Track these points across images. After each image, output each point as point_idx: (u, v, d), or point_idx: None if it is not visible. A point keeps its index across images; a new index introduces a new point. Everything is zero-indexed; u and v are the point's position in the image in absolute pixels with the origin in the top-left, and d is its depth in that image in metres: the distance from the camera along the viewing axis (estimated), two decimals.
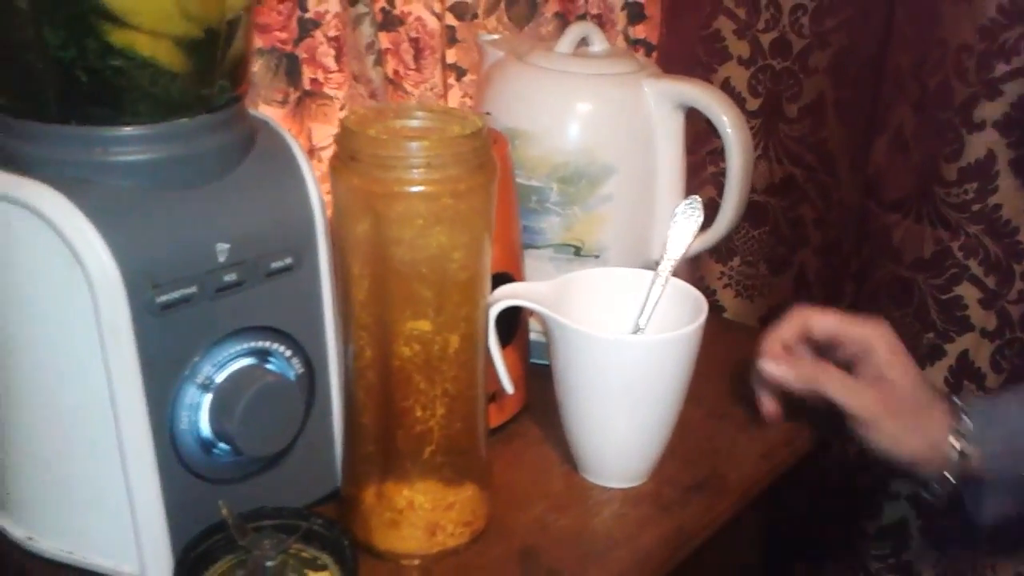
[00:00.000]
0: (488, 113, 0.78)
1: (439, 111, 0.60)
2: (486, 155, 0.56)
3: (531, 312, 0.65)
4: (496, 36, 0.88)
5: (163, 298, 0.52)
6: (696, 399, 0.68)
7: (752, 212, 1.01)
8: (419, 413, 0.58)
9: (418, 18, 0.94)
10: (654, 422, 0.65)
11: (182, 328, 0.54)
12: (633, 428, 0.65)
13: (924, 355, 0.88)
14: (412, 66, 0.95)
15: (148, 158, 0.53)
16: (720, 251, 1.07)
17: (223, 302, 0.55)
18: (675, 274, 0.68)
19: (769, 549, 0.92)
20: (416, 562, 0.60)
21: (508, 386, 0.63)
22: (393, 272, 0.55)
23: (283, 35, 0.84)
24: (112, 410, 0.52)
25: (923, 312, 0.87)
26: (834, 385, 0.68)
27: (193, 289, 0.54)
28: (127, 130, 0.52)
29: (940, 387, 0.86)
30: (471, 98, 0.99)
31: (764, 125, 1.01)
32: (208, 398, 0.55)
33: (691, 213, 0.70)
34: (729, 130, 0.76)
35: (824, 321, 0.70)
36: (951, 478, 0.68)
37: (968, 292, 0.85)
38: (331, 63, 0.87)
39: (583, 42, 0.82)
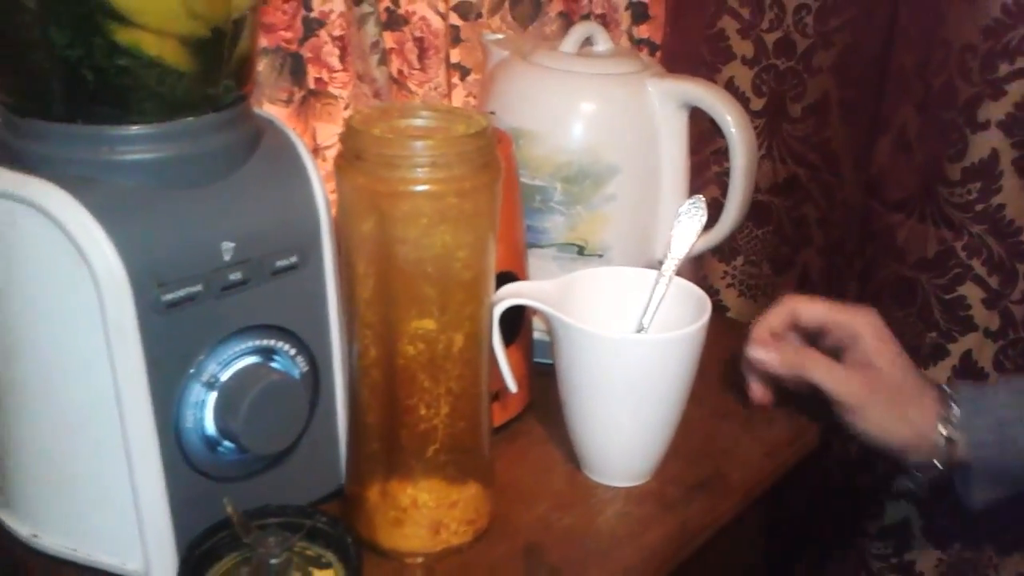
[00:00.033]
0: (492, 112, 0.78)
1: (444, 110, 0.60)
2: (491, 154, 0.56)
3: (535, 311, 0.65)
4: (500, 36, 0.88)
5: (168, 296, 0.53)
6: (699, 398, 0.68)
7: (756, 212, 1.01)
8: (423, 411, 0.58)
9: (422, 17, 0.94)
10: (657, 421, 0.66)
11: (187, 326, 0.54)
12: (636, 427, 0.65)
13: (927, 355, 0.88)
14: (416, 65, 0.95)
15: (154, 157, 0.53)
16: (723, 251, 1.07)
17: (228, 301, 0.55)
18: (679, 273, 0.68)
19: (770, 548, 0.92)
20: (420, 560, 0.60)
21: (511, 385, 0.63)
22: (398, 271, 0.55)
23: (288, 34, 0.84)
24: (117, 408, 0.53)
25: (926, 312, 0.87)
26: (819, 370, 0.68)
27: (198, 288, 0.54)
28: (133, 129, 0.53)
29: (931, 377, 0.86)
30: (475, 97, 0.99)
31: (768, 125, 1.01)
32: (213, 396, 0.55)
33: (695, 212, 0.70)
34: (733, 130, 0.76)
35: (812, 309, 0.71)
36: (939, 465, 0.68)
37: (971, 292, 0.85)
38: (335, 62, 0.87)
39: (587, 42, 0.82)
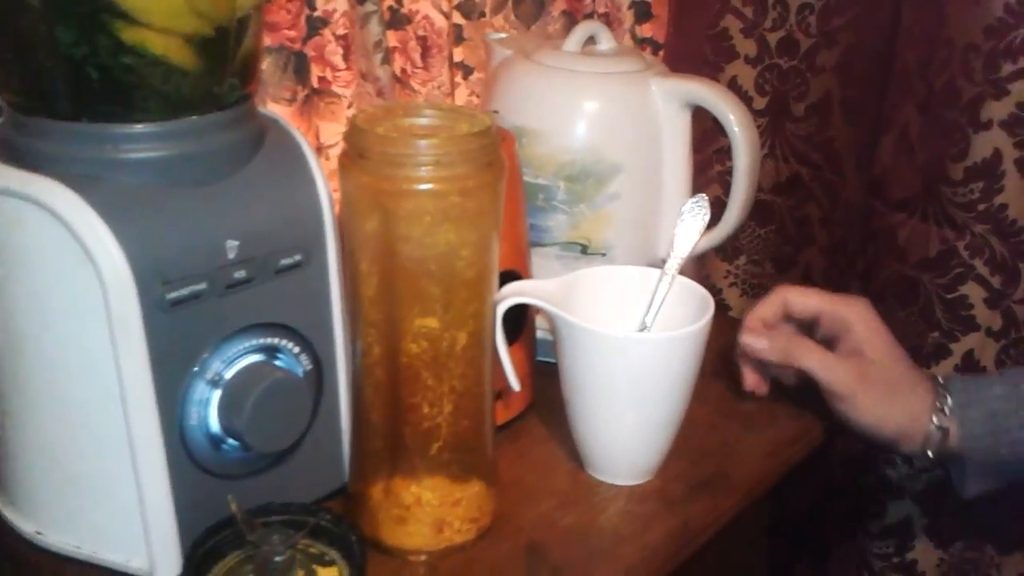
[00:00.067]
0: (495, 111, 0.78)
1: (448, 109, 0.60)
2: (494, 153, 0.56)
3: (538, 310, 0.65)
4: (503, 35, 0.88)
5: (173, 295, 0.53)
6: (702, 397, 0.68)
7: (758, 211, 1.01)
8: (426, 410, 0.58)
9: (425, 16, 0.94)
10: (660, 419, 0.66)
11: (192, 324, 0.54)
12: (639, 425, 0.65)
13: (929, 354, 0.88)
14: (419, 64, 0.95)
15: (159, 155, 0.53)
16: (726, 250, 1.07)
17: (232, 299, 0.55)
18: (681, 272, 0.68)
19: (772, 547, 0.92)
20: (423, 558, 0.60)
21: (515, 383, 0.63)
22: (401, 269, 0.55)
23: (292, 33, 0.84)
24: (122, 405, 0.53)
25: (928, 311, 0.87)
26: (809, 358, 0.68)
27: (203, 286, 0.54)
28: (138, 127, 0.53)
29: (924, 368, 0.86)
30: (478, 96, 0.99)
31: (771, 124, 1.01)
32: (217, 394, 0.55)
33: (697, 211, 0.70)
34: (736, 129, 0.76)
35: (804, 299, 0.71)
36: (931, 455, 0.68)
37: (973, 291, 0.85)
38: (339, 61, 0.88)
39: (590, 40, 0.82)
